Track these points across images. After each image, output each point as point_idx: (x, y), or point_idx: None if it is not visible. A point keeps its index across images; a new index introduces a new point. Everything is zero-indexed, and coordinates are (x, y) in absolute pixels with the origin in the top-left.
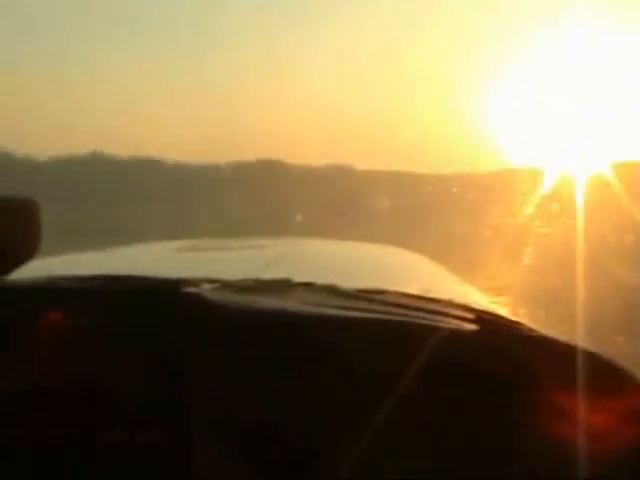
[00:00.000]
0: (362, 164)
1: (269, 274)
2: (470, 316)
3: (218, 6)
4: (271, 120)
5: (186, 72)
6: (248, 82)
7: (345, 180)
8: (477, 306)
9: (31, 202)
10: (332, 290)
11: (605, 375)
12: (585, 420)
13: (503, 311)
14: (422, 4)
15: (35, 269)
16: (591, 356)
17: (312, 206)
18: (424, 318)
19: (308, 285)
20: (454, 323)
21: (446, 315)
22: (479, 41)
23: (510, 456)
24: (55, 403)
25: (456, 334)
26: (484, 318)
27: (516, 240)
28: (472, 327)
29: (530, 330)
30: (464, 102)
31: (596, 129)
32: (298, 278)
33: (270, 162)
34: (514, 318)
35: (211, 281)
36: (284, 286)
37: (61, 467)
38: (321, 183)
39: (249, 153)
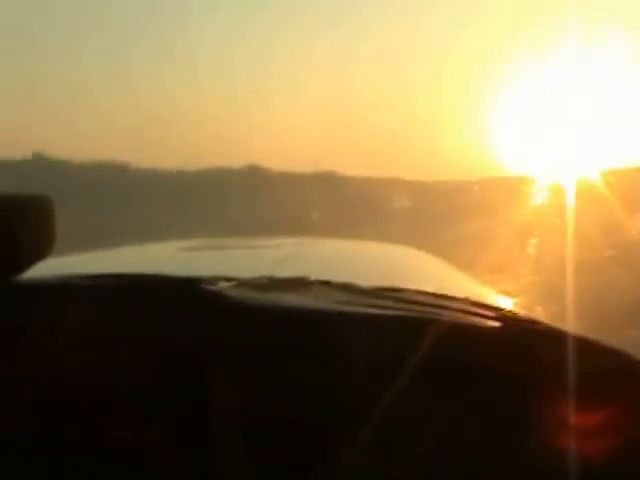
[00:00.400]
0: (351, 170)
1: (283, 273)
2: (489, 313)
3: (200, 7)
4: (256, 126)
5: (163, 74)
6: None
7: (336, 186)
8: (494, 304)
9: (46, 199)
10: (349, 288)
11: (626, 371)
12: (607, 417)
13: (519, 309)
14: (422, 10)
15: (48, 268)
16: (615, 353)
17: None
18: (445, 315)
19: (325, 283)
20: (474, 320)
21: (465, 312)
22: (477, 53)
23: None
24: (73, 402)
25: (477, 330)
26: (502, 315)
27: (514, 244)
28: (492, 324)
29: (550, 327)
30: (455, 110)
31: (586, 137)
32: (312, 276)
33: (253, 169)
34: (531, 315)
35: (227, 279)
36: (301, 284)
37: (82, 466)
38: (321, 188)
39: (229, 159)
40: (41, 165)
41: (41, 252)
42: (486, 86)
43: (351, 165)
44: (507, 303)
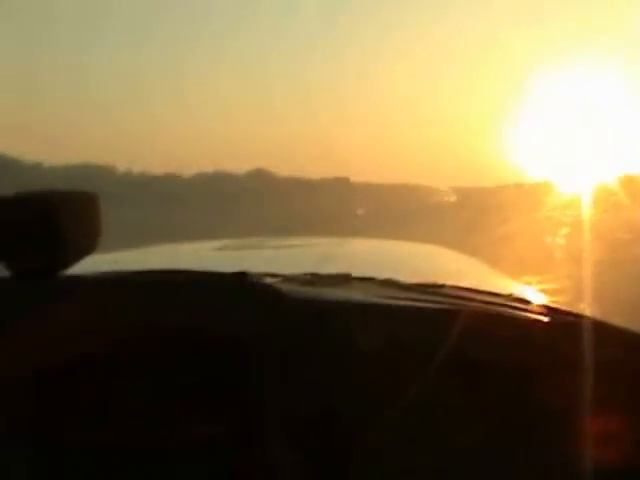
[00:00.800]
0: (366, 177)
1: (323, 270)
2: (529, 307)
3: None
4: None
5: (169, 76)
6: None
7: (345, 191)
8: (533, 299)
9: (92, 195)
10: (391, 284)
11: None
12: None
13: (560, 304)
14: (447, 19)
15: (92, 264)
16: None
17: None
18: (487, 309)
19: (368, 279)
20: (515, 313)
21: (511, 307)
22: (500, 64)
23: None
24: (122, 398)
25: (520, 323)
26: (544, 309)
27: (544, 245)
28: (534, 317)
29: (592, 319)
30: (475, 116)
31: (604, 144)
32: (352, 273)
33: (257, 173)
34: (575, 310)
35: (271, 275)
36: (345, 280)
37: (135, 464)
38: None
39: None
40: None
41: (86, 248)
42: (508, 98)
43: (366, 172)
44: (545, 300)
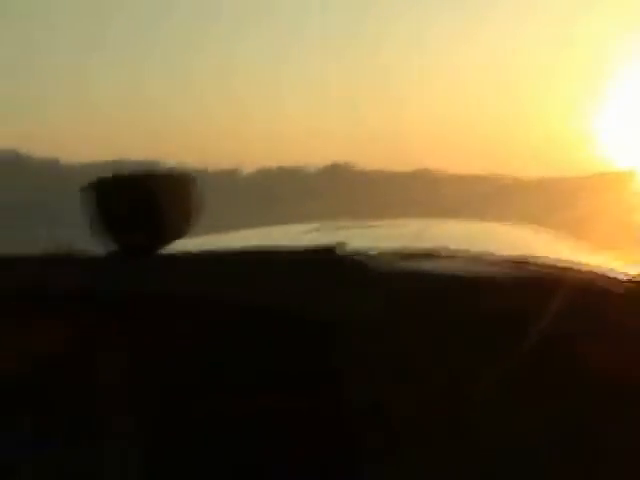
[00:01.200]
0: (447, 169)
1: (414, 246)
2: (625, 281)
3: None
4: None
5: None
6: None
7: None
8: (626, 273)
9: (190, 177)
10: (485, 258)
11: None
12: None
13: None
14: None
15: (187, 244)
16: None
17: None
18: (583, 280)
19: (459, 254)
20: (612, 286)
21: (602, 279)
22: (582, 49)
23: None
24: (215, 369)
25: (617, 294)
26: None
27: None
28: (627, 285)
29: None
30: (560, 105)
31: None
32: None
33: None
34: None
35: (362, 251)
36: (436, 255)
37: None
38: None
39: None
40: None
41: (185, 228)
42: (591, 83)
43: (446, 164)
44: (635, 273)
